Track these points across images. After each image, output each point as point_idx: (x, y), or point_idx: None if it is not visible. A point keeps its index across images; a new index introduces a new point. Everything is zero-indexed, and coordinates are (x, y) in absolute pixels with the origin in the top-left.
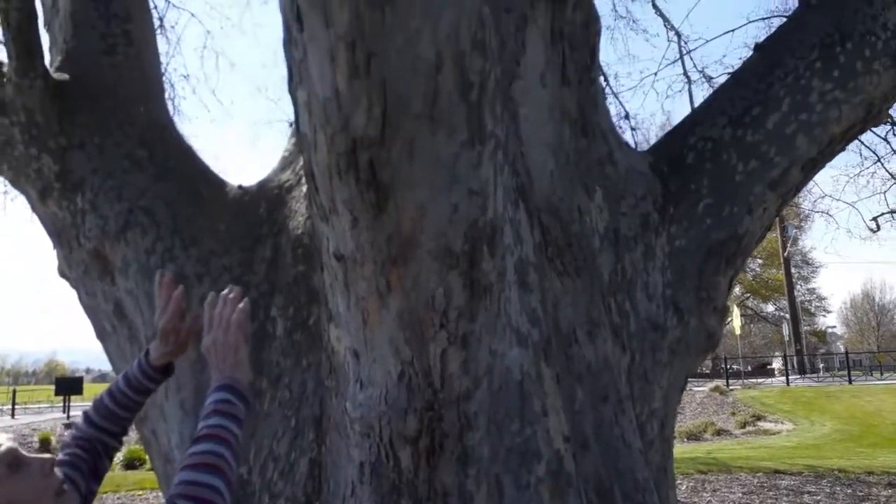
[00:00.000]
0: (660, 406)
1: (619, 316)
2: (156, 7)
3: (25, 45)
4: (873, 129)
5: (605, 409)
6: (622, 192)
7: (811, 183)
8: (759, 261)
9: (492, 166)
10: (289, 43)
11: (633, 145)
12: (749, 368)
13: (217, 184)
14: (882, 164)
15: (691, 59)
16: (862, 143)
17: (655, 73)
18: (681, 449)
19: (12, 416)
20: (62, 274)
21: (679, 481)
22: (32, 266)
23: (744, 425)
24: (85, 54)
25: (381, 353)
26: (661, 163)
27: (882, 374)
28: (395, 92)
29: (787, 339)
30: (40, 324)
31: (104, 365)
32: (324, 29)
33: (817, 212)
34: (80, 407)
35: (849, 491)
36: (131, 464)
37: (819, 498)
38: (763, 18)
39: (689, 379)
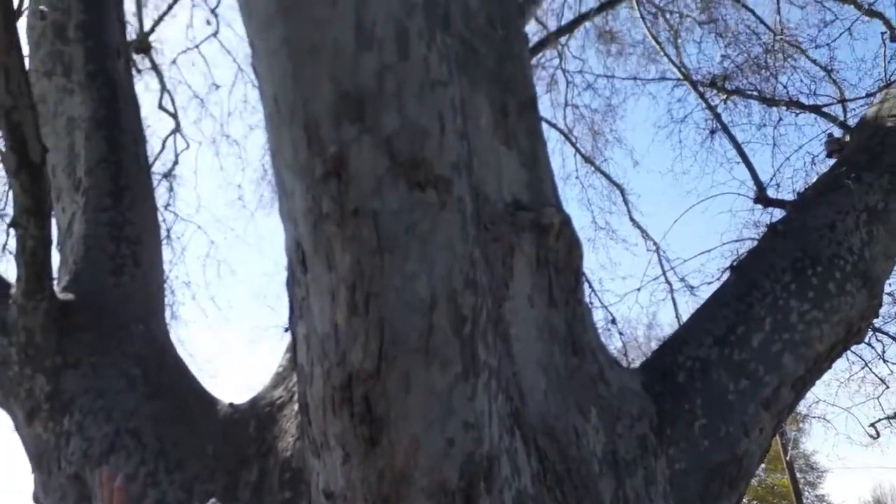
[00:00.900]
0: None
1: None
2: (164, 220)
3: (36, 270)
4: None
5: None
6: (617, 412)
7: None
8: (763, 465)
9: (486, 397)
10: (292, 282)
11: (621, 346)
12: None
13: (209, 402)
14: (870, 369)
15: (672, 267)
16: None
17: (639, 290)
18: None
19: None
20: (36, 500)
21: None
22: None
23: None
24: (92, 275)
25: None
26: (654, 382)
27: None
28: (392, 328)
29: None
30: None
31: None
32: (326, 272)
33: (814, 417)
34: None
35: None
36: None
37: None
38: (735, 241)
39: None
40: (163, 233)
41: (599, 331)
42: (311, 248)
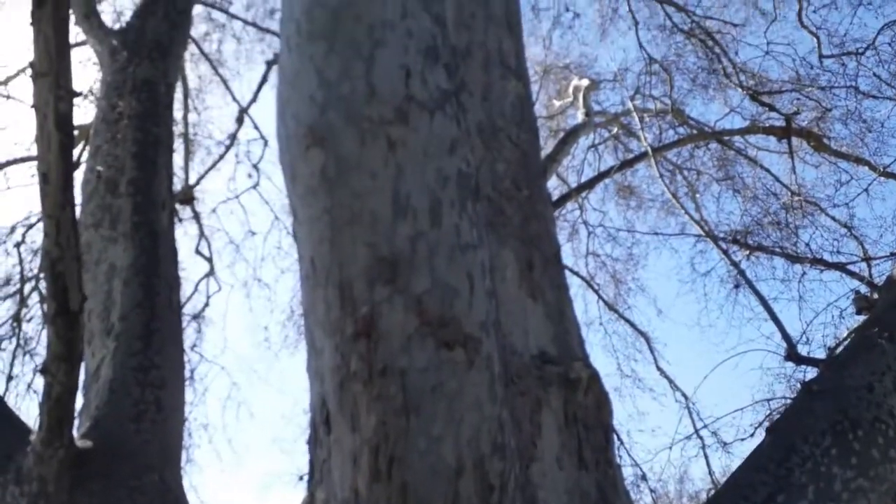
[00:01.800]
0: None
1: None
2: (189, 360)
3: (59, 416)
4: None
5: None
6: None
7: None
8: None
9: None
10: (314, 442)
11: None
12: None
13: None
14: None
15: (702, 420)
16: None
17: (670, 448)
18: None
19: None
20: None
21: None
22: None
23: None
24: (114, 420)
25: None
26: None
27: None
28: (415, 496)
29: None
30: None
31: None
32: (350, 433)
33: None
34: None
35: None
36: None
37: None
38: (768, 399)
39: None
40: (186, 373)
41: (629, 485)
42: (335, 407)
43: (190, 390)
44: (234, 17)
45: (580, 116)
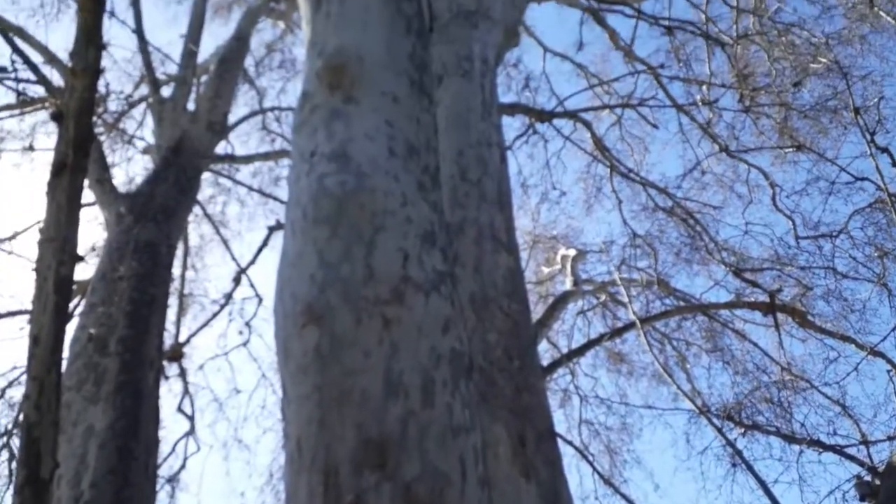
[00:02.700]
0: None
1: None
2: None
3: None
4: None
5: None
6: None
7: None
8: None
9: None
10: None
11: None
12: None
13: None
14: None
15: None
16: None
17: None
18: None
19: None
20: None
21: None
22: None
23: None
24: None
25: None
26: None
27: None
28: None
29: None
30: None
31: None
32: None
33: None
34: None
35: None
36: None
37: None
38: None
39: None
40: None
41: None
42: None
43: None
44: (239, 183)
45: (569, 284)
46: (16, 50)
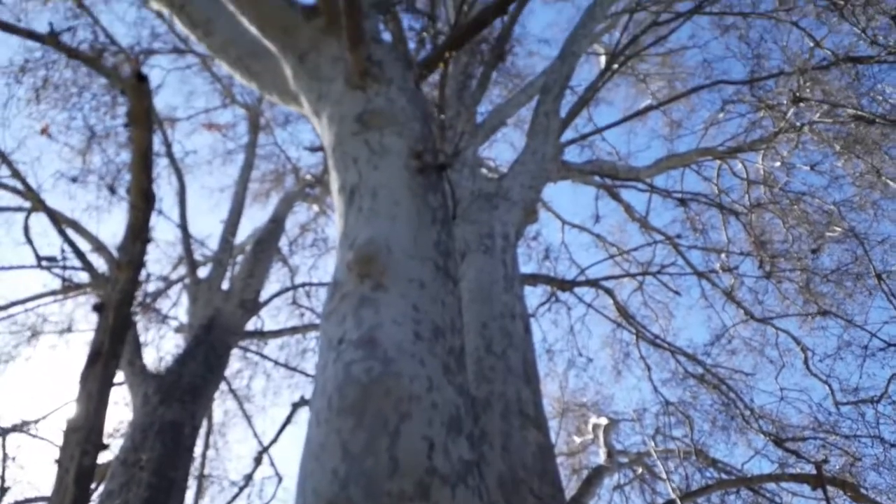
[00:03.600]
0: None
1: None
2: None
3: None
4: None
5: None
6: None
7: None
8: None
9: None
10: None
11: None
12: None
13: None
14: None
15: None
16: None
17: None
18: None
19: None
20: None
21: None
22: None
23: None
24: None
25: None
26: None
27: None
28: None
29: None
30: None
31: None
32: None
33: None
34: None
35: None
36: None
37: None
38: None
39: None
40: None
41: None
42: None
43: None
44: (266, 357)
45: (602, 455)
46: (67, 240)
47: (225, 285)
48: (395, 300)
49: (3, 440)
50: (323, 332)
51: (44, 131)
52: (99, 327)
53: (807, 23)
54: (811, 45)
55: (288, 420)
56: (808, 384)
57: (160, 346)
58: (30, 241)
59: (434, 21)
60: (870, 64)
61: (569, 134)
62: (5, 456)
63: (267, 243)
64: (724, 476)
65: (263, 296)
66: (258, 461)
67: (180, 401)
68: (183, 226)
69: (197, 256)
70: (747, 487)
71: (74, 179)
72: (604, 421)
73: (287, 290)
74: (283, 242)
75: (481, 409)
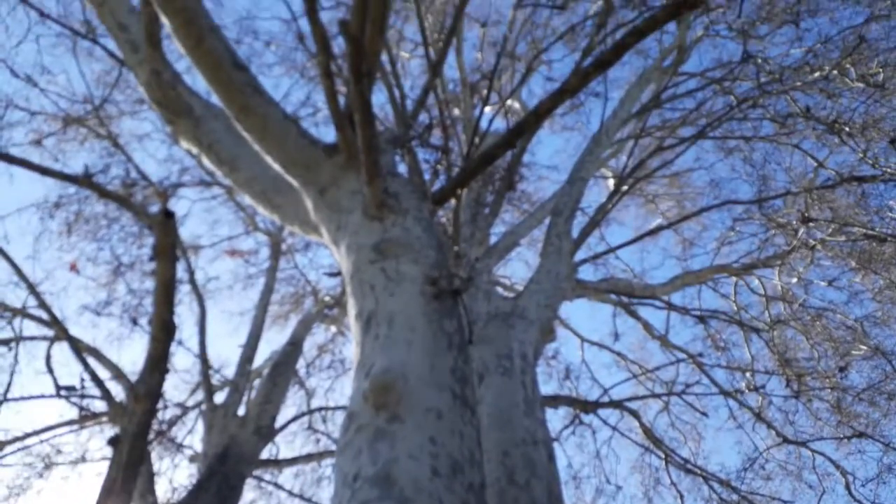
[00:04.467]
0: None
1: None
2: None
3: None
4: None
5: None
6: None
7: None
8: None
9: None
10: None
11: None
12: None
13: None
14: None
15: None
16: None
17: None
18: None
19: None
20: None
21: None
22: None
23: None
24: None
25: None
26: None
27: None
28: None
29: None
30: None
31: None
32: None
33: None
34: None
35: None
36: None
37: None
38: None
39: None
40: None
41: None
42: None
43: None
44: (281, 487)
45: None
46: (87, 368)
47: (241, 410)
48: (411, 433)
49: None
50: (338, 466)
51: (72, 268)
52: (113, 461)
53: (808, 144)
54: (815, 164)
55: None
56: None
57: (174, 476)
58: (50, 371)
59: (447, 153)
60: (874, 183)
61: (582, 253)
62: None
63: (284, 367)
64: None
65: (279, 420)
66: None
67: None
68: (202, 352)
69: (214, 381)
70: None
71: (98, 313)
72: None
73: (303, 414)
74: (301, 364)
75: None
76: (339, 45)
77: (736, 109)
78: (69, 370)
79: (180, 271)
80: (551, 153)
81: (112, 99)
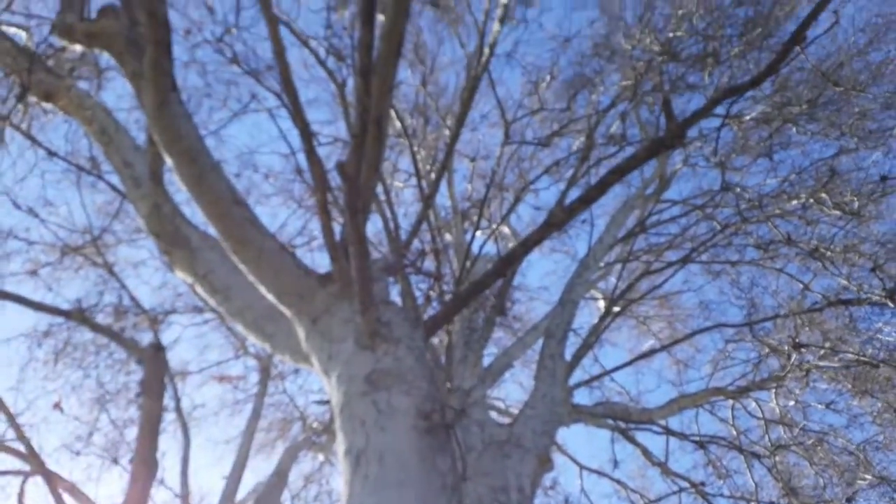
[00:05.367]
0: None
1: None
2: None
3: None
4: None
5: None
6: None
7: None
8: None
9: None
10: None
11: None
12: None
13: None
14: None
15: None
16: None
17: None
18: None
19: None
20: None
21: None
22: None
23: None
24: None
25: None
26: None
27: None
28: None
29: None
30: None
31: None
32: None
33: None
34: None
35: None
36: None
37: None
38: None
39: None
40: None
41: None
42: None
43: None
44: None
45: None
46: None
47: None
48: None
49: None
50: None
51: (56, 406)
52: None
53: (793, 268)
54: (801, 287)
55: None
56: None
57: None
58: None
59: (440, 280)
60: (860, 306)
61: (577, 375)
62: None
63: (268, 500)
64: None
65: None
66: None
67: None
68: (184, 489)
69: None
70: None
71: (77, 453)
72: None
73: None
74: (286, 497)
75: None
76: (334, 177)
77: (720, 235)
78: None
79: (166, 398)
80: (541, 275)
81: (110, 228)
